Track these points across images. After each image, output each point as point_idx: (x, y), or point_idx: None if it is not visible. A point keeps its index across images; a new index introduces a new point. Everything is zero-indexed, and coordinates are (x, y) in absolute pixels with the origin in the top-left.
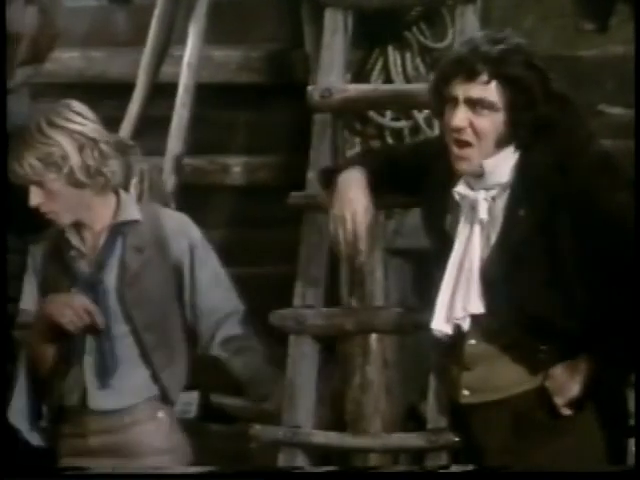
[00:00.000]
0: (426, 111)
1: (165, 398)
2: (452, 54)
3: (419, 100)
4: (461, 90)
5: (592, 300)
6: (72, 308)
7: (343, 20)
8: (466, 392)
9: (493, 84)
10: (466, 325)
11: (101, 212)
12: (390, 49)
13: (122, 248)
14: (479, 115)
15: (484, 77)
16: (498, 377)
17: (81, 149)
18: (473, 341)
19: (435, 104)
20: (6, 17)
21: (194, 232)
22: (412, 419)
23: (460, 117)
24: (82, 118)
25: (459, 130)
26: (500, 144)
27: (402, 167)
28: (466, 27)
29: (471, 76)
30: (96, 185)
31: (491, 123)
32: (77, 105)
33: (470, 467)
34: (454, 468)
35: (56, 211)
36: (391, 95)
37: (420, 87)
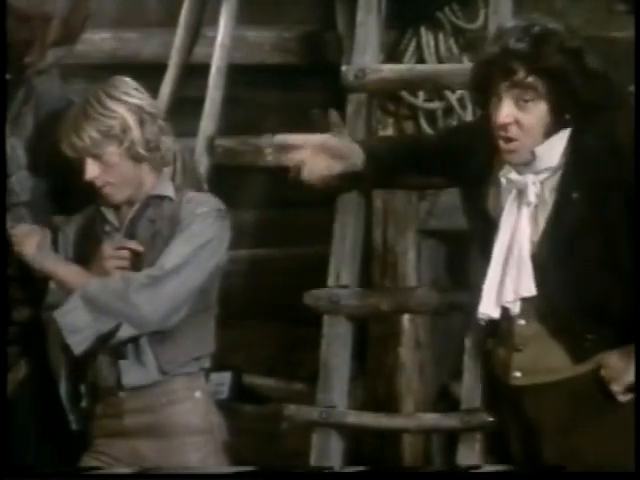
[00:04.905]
0: (459, 92)
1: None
2: (484, 55)
3: (453, 81)
4: (502, 86)
5: None
6: (113, 259)
7: (377, 0)
8: (518, 374)
9: (531, 78)
10: (516, 308)
11: (146, 188)
12: (423, 30)
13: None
14: (523, 110)
15: (521, 74)
16: (550, 359)
17: (141, 123)
18: (523, 322)
19: (476, 99)
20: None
21: (202, 210)
22: (444, 399)
23: (504, 114)
24: (140, 93)
25: (504, 126)
26: (548, 133)
27: (427, 152)
28: (499, 8)
29: (508, 74)
30: (153, 160)
31: (536, 116)
32: (132, 81)
33: (501, 467)
34: (486, 468)
35: (113, 184)
36: (426, 76)
37: (454, 68)
